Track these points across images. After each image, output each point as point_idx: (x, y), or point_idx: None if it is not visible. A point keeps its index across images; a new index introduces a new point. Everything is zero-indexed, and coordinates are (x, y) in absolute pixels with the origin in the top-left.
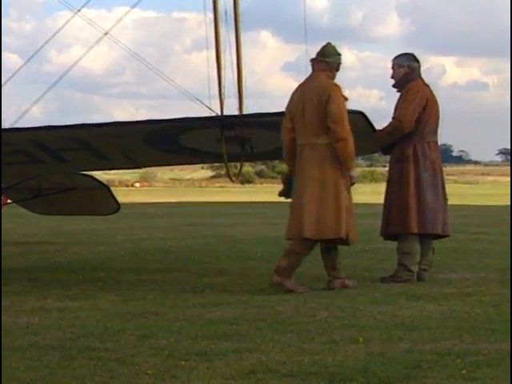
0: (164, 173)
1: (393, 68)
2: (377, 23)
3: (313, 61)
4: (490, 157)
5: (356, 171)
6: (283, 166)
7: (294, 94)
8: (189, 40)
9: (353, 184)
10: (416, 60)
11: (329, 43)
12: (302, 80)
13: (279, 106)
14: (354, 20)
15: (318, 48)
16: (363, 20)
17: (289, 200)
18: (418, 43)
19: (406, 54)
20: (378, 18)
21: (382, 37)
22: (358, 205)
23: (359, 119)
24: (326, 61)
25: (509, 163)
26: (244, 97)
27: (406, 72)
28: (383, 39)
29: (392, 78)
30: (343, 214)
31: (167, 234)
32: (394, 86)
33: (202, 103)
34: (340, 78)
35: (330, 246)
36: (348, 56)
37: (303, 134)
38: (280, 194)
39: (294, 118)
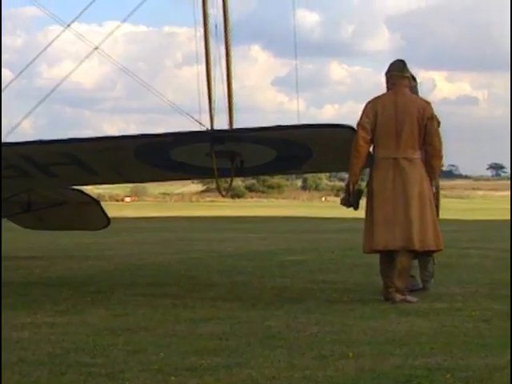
0: (154, 187)
1: None
2: (367, 38)
3: (393, 76)
4: (480, 171)
5: (442, 185)
6: (273, 181)
7: (373, 108)
8: (179, 55)
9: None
10: (413, 78)
11: (400, 59)
12: (292, 94)
13: (269, 120)
14: (345, 34)
15: (308, 63)
16: (353, 34)
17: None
18: (408, 58)
19: None
20: (368, 33)
21: (373, 51)
22: (345, 219)
23: (347, 133)
24: (407, 76)
25: (499, 178)
26: (234, 111)
27: None
28: (374, 54)
29: None
30: (437, 226)
31: (157, 248)
32: None
33: (193, 118)
34: (331, 92)
35: (393, 257)
36: (338, 71)
37: (394, 148)
38: (345, 204)
39: (380, 130)
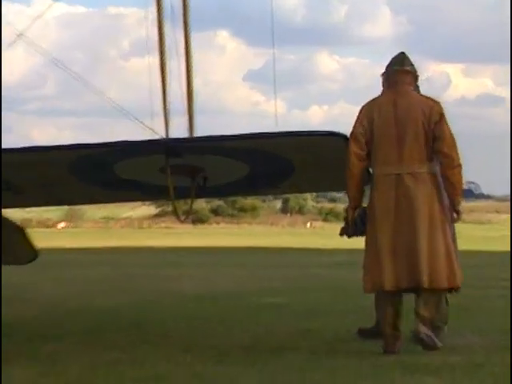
0: (95, 210)
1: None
2: (364, 21)
3: (393, 72)
4: (505, 190)
5: (462, 206)
6: (245, 202)
7: (369, 112)
8: (126, 43)
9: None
10: None
11: (401, 52)
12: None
13: (240, 126)
14: (336, 18)
15: (289, 53)
16: (347, 17)
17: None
18: (416, 46)
19: None
20: (365, 15)
21: (371, 39)
22: (338, 250)
23: (339, 143)
24: (411, 71)
25: None
26: (195, 114)
27: None
28: (372, 41)
29: None
30: (453, 256)
31: (98, 288)
32: None
33: (142, 123)
34: (318, 90)
35: (399, 297)
36: (328, 63)
37: (396, 161)
38: (346, 233)
39: (377, 141)
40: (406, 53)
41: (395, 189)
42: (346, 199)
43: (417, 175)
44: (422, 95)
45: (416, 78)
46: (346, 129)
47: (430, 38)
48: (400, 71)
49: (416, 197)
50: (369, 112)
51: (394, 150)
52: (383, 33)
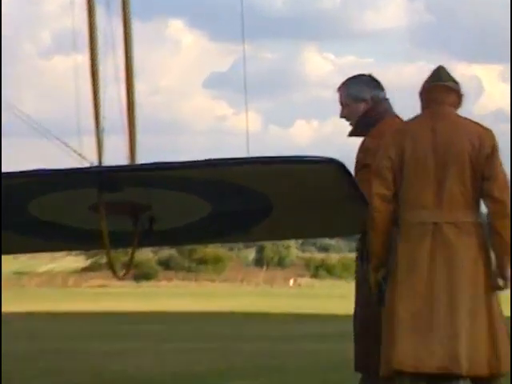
0: (3, 262)
1: (342, 103)
2: (366, 8)
3: (431, 89)
4: None
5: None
6: (207, 252)
7: (398, 140)
8: (47, 35)
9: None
10: (379, 86)
11: (441, 66)
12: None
13: (200, 146)
14: (329, 4)
15: (267, 50)
16: (344, 4)
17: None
18: (436, 42)
19: (360, 76)
20: (368, 0)
21: (376, 31)
22: (331, 317)
23: (334, 173)
24: (454, 89)
25: None
26: (138, 132)
27: (370, 108)
28: (378, 35)
29: (344, 118)
30: (500, 337)
31: (8, 367)
32: (352, 133)
33: (67, 144)
34: (305, 99)
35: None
36: (319, 63)
37: (433, 206)
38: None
39: (409, 179)
40: (418, 48)
41: (430, 242)
42: (342, 246)
43: (460, 225)
44: (467, 119)
45: (460, 97)
46: (342, 151)
47: (456, 30)
48: (439, 87)
49: (458, 254)
50: (398, 140)
51: (431, 190)
52: (392, 23)
